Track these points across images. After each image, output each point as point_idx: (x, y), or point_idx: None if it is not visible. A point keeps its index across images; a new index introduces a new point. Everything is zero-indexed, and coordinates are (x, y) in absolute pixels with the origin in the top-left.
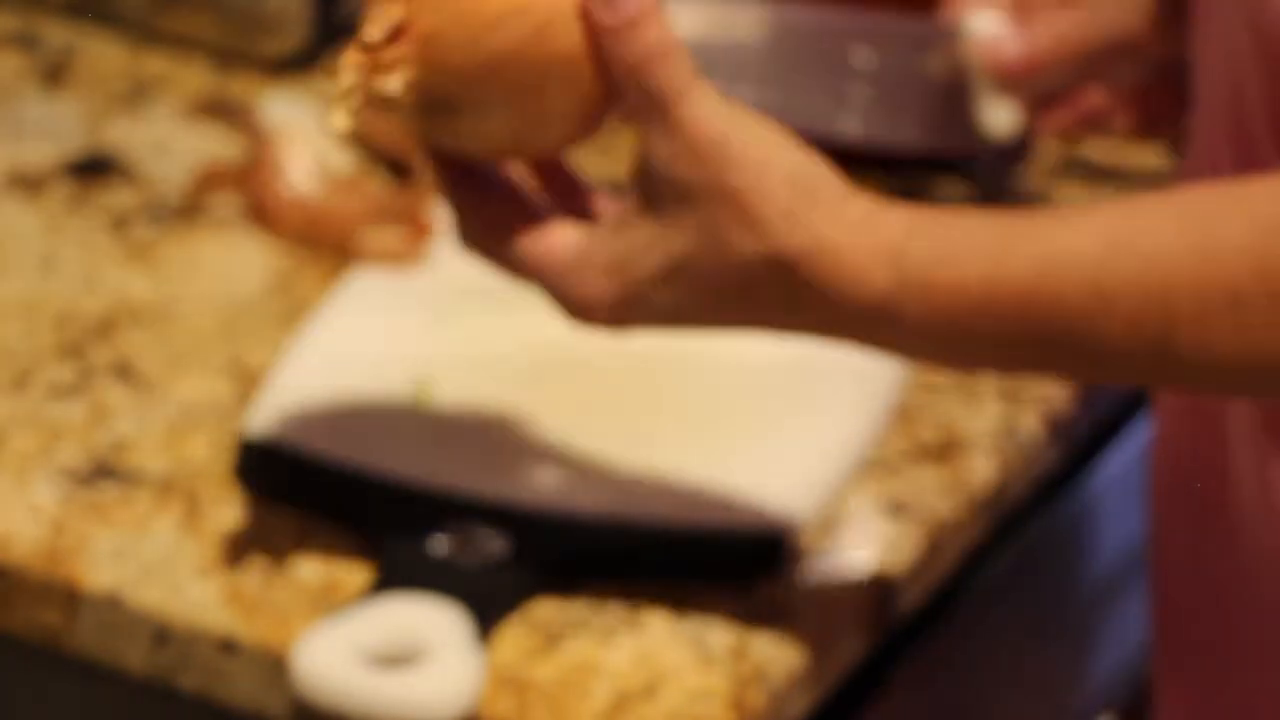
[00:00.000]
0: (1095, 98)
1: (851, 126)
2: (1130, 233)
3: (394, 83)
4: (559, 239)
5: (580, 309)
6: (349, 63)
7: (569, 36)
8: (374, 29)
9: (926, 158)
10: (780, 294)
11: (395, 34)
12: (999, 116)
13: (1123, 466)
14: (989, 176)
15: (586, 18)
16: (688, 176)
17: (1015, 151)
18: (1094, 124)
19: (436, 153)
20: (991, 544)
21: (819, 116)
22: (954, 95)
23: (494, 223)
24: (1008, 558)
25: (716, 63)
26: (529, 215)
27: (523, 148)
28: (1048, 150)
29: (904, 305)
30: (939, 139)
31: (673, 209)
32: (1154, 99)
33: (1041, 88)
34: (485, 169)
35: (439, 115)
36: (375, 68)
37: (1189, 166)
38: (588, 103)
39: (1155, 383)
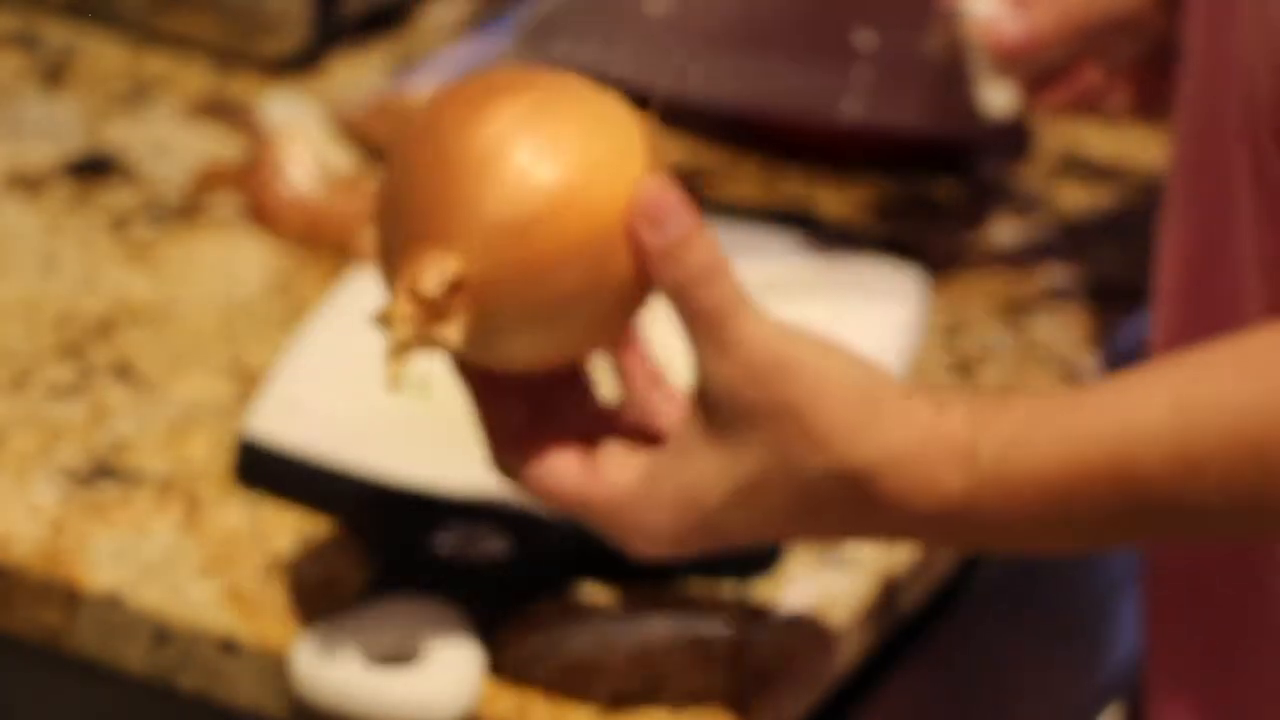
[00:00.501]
0: (1092, 76)
1: (854, 108)
2: (1201, 392)
3: (453, 334)
4: (619, 472)
5: (647, 542)
6: (401, 315)
7: (622, 263)
8: (429, 282)
9: (927, 141)
10: (852, 508)
11: (453, 288)
12: (998, 97)
13: None
14: (987, 176)
15: (634, 240)
16: (748, 397)
17: (1014, 149)
18: (1091, 103)
19: (468, 369)
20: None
21: (822, 99)
22: (953, 76)
23: (537, 449)
24: (1008, 558)
25: (722, 46)
26: (575, 439)
27: (564, 357)
28: (1048, 150)
29: (981, 503)
30: (938, 120)
31: (737, 430)
32: (1151, 78)
33: (1040, 67)
34: (519, 384)
35: (488, 345)
36: (431, 318)
37: (1196, 159)
38: (632, 315)
39: (1251, 535)
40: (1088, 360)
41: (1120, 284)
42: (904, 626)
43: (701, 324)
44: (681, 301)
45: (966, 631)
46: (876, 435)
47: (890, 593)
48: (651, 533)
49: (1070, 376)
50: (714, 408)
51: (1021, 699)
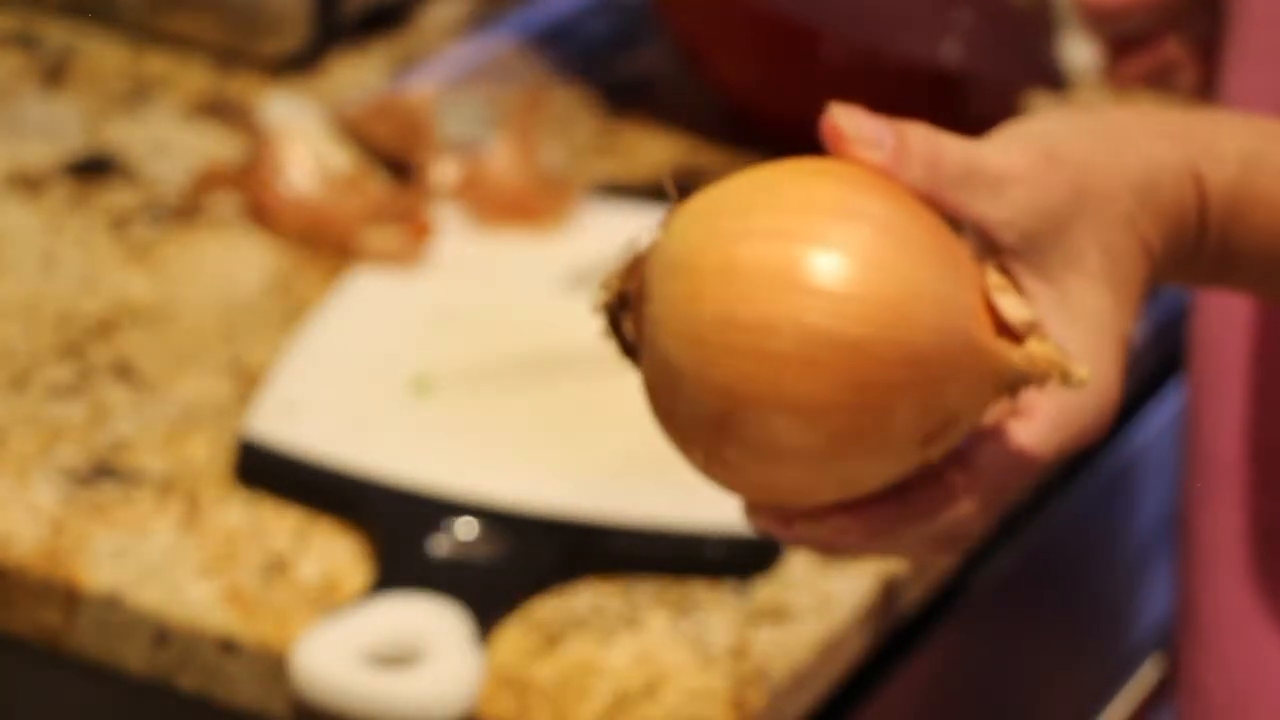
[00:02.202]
0: (1171, 50)
1: (953, 52)
2: None
3: None
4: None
5: (1106, 412)
6: None
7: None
8: None
9: (1010, 90)
10: (1161, 227)
11: None
12: (1080, 55)
13: (1123, 466)
14: None
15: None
16: (1043, 206)
17: None
18: (1165, 76)
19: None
20: (992, 544)
21: (923, 38)
22: (1039, 28)
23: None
24: (1008, 557)
25: None
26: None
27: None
28: None
29: (1240, 206)
30: (1023, 72)
31: (1064, 245)
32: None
33: (1126, 31)
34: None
35: None
36: None
37: None
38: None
39: None
40: None
41: None
42: (904, 626)
43: (956, 194)
44: (929, 190)
45: (967, 631)
46: (1138, 150)
47: (890, 593)
48: (1107, 406)
49: None
50: (1036, 251)
51: (1022, 698)
